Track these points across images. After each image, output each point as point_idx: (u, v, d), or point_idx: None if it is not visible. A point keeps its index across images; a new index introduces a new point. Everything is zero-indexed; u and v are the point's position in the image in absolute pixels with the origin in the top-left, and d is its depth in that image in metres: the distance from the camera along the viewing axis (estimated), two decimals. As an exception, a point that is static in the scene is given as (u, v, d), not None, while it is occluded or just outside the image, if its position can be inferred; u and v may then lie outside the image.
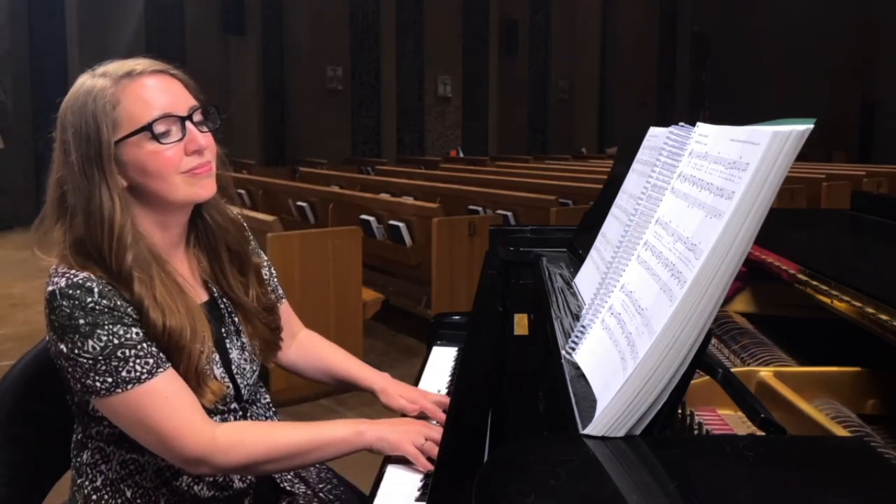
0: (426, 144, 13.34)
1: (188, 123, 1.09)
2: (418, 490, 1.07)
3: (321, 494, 1.33)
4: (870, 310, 0.96)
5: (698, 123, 0.93)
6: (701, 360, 0.75)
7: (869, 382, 1.04)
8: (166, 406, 1.05)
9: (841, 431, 0.88)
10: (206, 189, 1.12)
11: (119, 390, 1.04)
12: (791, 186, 5.92)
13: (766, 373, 1.05)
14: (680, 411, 0.91)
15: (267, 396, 1.34)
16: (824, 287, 1.09)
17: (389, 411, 1.35)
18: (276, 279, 1.36)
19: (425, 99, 13.27)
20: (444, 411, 1.29)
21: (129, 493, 1.16)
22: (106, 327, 1.03)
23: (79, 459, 1.19)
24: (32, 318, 5.01)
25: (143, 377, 1.04)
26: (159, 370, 1.06)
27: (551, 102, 15.37)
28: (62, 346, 1.04)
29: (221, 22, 10.95)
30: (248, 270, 1.25)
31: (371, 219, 4.68)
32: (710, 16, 17.13)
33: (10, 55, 9.58)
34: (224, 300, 1.24)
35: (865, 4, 14.49)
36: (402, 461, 1.14)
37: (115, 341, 1.03)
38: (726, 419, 0.95)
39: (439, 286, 4.15)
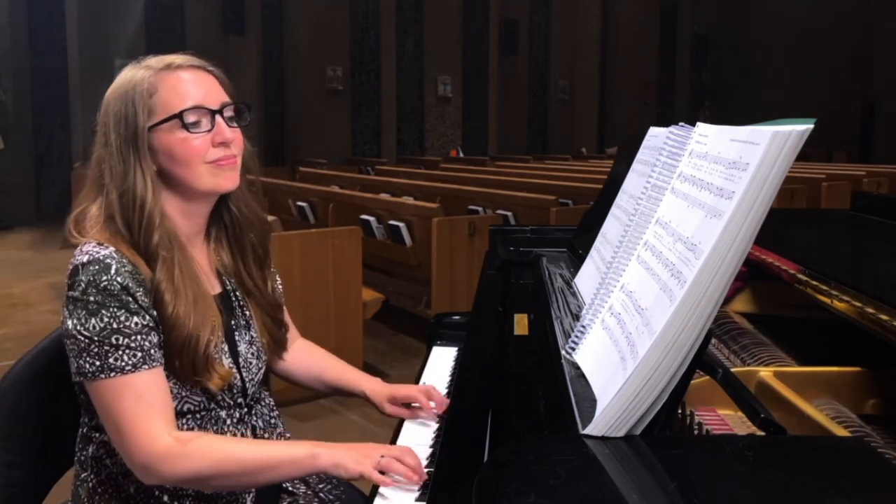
0: (426, 144, 13.33)
1: (218, 117, 1.15)
2: (418, 490, 1.07)
3: (321, 494, 1.33)
4: (870, 310, 0.96)
5: (698, 123, 0.93)
6: (701, 360, 0.75)
7: (869, 382, 1.04)
8: (135, 404, 1.07)
9: (841, 431, 0.88)
10: (229, 181, 1.17)
11: (103, 376, 1.06)
12: (791, 186, 5.91)
13: (766, 373, 1.05)
14: (680, 411, 0.91)
15: (271, 399, 1.35)
16: (824, 287, 1.09)
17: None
18: (280, 287, 1.39)
19: (425, 99, 13.25)
20: (449, 398, 1.32)
21: (132, 489, 1.16)
22: (111, 309, 1.06)
23: (84, 453, 1.20)
24: (32, 318, 5.02)
25: (127, 369, 1.07)
26: (144, 366, 1.08)
27: (551, 102, 15.35)
28: (69, 323, 1.08)
29: (221, 22, 10.94)
30: (267, 268, 1.31)
31: (371, 219, 4.68)
32: (710, 16, 17.13)
33: (10, 55, 9.58)
34: (237, 293, 1.27)
35: (865, 5, 14.48)
36: None
37: (114, 325, 1.06)
38: (726, 419, 0.95)
39: (439, 286, 4.15)
